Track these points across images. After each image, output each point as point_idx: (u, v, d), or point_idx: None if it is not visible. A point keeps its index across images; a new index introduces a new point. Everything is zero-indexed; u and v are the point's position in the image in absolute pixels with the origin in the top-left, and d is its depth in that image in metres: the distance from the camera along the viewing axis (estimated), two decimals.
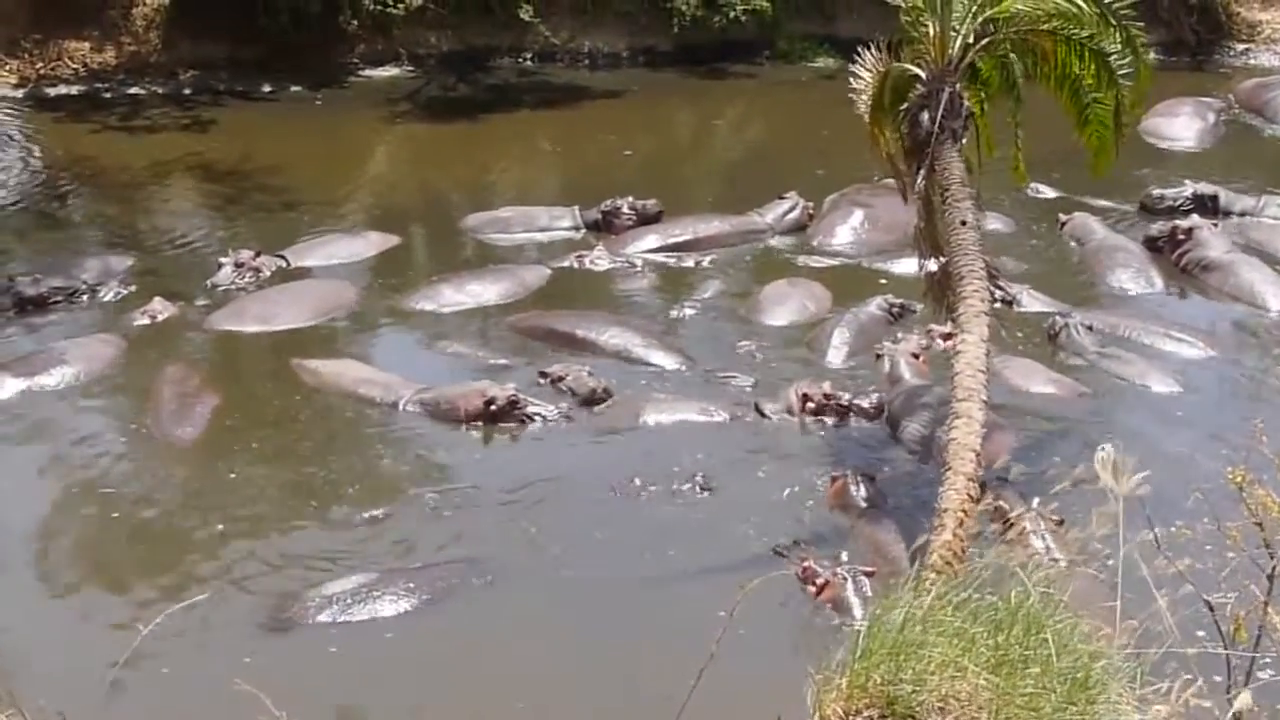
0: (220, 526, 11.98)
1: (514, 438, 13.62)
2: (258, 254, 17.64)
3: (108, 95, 25.83)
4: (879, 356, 15.02)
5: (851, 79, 12.48)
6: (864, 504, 12.07)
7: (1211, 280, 17.51)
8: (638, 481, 12.57)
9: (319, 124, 24.78)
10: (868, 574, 10.77)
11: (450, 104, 26.37)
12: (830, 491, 12.28)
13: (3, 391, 14.27)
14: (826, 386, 13.94)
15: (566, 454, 13.41)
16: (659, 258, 18.34)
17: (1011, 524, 11.18)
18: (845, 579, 10.70)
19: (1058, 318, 15.75)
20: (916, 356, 14.94)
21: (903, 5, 11.87)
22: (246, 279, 17.20)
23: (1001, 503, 11.35)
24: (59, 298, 16.58)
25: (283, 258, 17.96)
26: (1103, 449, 6.58)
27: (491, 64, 28.31)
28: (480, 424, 13.69)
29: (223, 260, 17.50)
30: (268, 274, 17.44)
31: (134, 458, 13.24)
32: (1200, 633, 6.59)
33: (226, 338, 15.91)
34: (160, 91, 26.10)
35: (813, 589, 10.76)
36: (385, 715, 9.84)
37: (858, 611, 10.32)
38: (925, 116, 11.64)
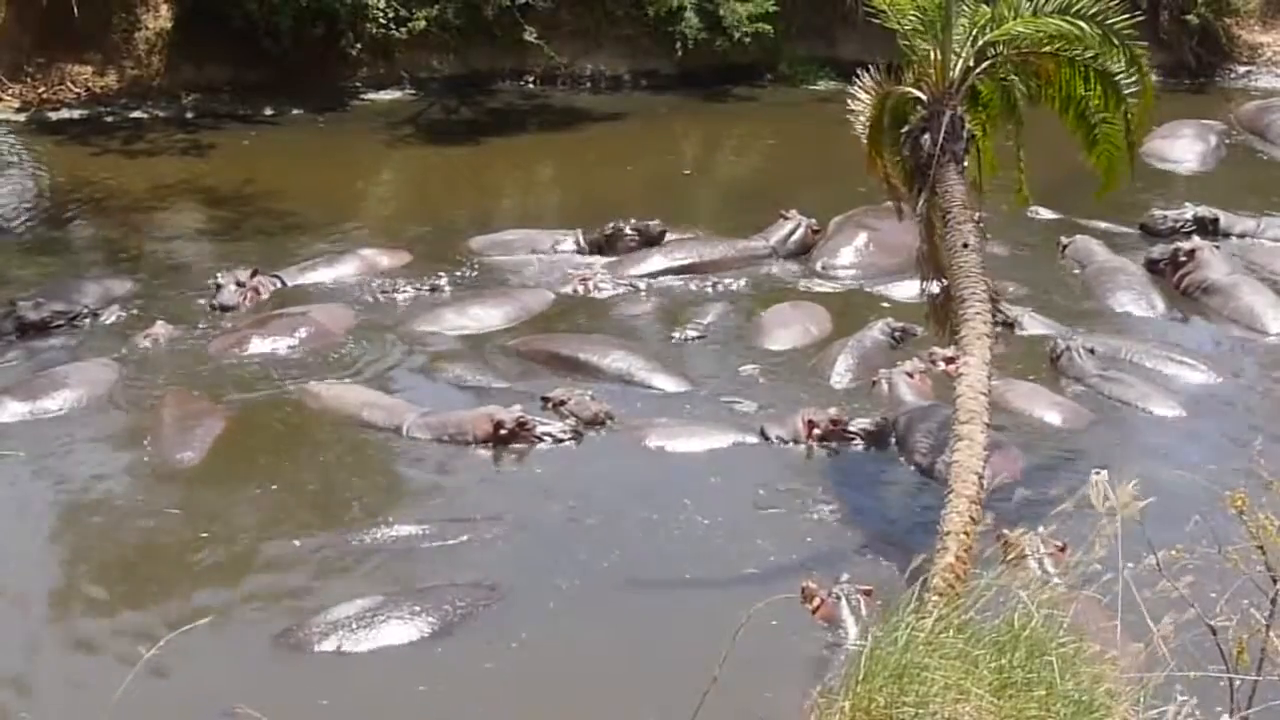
0: (222, 551, 11.95)
1: (520, 461, 13.61)
2: (254, 273, 17.64)
3: (110, 119, 25.87)
4: (874, 383, 14.98)
5: (850, 101, 12.50)
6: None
7: (1213, 303, 17.46)
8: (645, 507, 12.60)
9: (321, 147, 24.80)
10: (865, 593, 10.79)
11: (452, 127, 26.40)
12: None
13: (4, 415, 14.25)
14: (833, 412, 13.89)
15: (572, 479, 13.37)
16: (662, 280, 18.34)
17: (1010, 547, 11.18)
18: (840, 598, 10.74)
19: (1059, 341, 15.70)
20: (911, 376, 14.91)
21: (901, 28, 11.89)
22: (249, 299, 17.22)
23: (1002, 528, 11.36)
24: (60, 322, 16.54)
25: (278, 278, 17.97)
26: (1096, 472, 6.61)
27: (494, 87, 28.34)
28: (489, 447, 13.68)
29: (220, 280, 17.46)
30: (266, 295, 17.46)
31: (136, 481, 13.22)
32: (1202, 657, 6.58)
33: (229, 361, 15.87)
34: (162, 115, 26.16)
35: (810, 607, 10.79)
36: None
37: (850, 630, 10.45)
38: (926, 139, 11.63)
